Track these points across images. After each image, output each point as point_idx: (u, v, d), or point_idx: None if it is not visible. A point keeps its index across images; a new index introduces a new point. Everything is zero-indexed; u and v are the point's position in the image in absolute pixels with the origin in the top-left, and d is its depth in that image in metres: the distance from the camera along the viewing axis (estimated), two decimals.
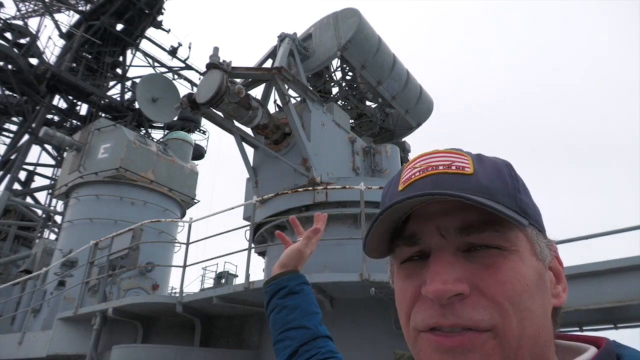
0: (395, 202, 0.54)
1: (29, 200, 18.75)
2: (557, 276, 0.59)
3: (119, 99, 19.01)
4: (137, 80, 16.93)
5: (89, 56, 18.86)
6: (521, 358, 0.50)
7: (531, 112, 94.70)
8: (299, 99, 7.32)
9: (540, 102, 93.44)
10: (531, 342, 0.51)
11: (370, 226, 0.58)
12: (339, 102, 9.95)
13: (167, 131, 18.43)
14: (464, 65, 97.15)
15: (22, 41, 17.64)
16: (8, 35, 17.44)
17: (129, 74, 20.14)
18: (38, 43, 18.07)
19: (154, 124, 18.63)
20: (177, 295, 5.49)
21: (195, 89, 10.23)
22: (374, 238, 0.59)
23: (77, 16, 19.57)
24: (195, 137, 18.63)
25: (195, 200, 14.27)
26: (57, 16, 19.61)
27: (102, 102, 18.13)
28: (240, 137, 6.81)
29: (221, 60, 5.91)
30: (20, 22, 18.64)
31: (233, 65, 6.09)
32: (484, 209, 0.51)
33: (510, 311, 0.50)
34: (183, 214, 14.14)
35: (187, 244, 5.82)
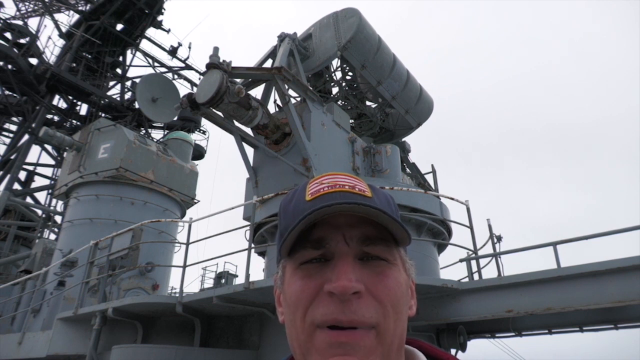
0: (325, 205, 0.62)
1: (29, 200, 18.75)
2: (412, 292, 0.73)
3: (118, 99, 19.01)
4: (137, 80, 16.93)
5: (89, 56, 18.86)
6: (392, 352, 0.63)
7: (521, 103, 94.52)
8: (299, 99, 7.32)
9: (530, 92, 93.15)
10: (398, 340, 0.65)
11: (294, 227, 0.63)
12: (339, 102, 9.95)
13: (167, 131, 18.43)
14: (451, 55, 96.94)
15: (22, 41, 17.63)
16: (8, 35, 17.44)
17: (129, 74, 20.17)
18: (38, 43, 18.07)
19: (154, 124, 18.62)
20: (177, 295, 5.48)
21: (195, 89, 10.23)
22: (291, 240, 0.66)
23: (77, 16, 19.58)
24: (195, 137, 18.64)
25: (195, 200, 14.27)
26: (57, 16, 19.63)
27: (102, 102, 18.13)
28: (240, 137, 6.81)
29: (221, 60, 5.91)
30: (20, 22, 18.64)
31: (233, 65, 6.09)
32: (381, 226, 0.66)
33: (390, 312, 0.63)
34: (183, 214, 14.14)
35: (187, 244, 5.82)
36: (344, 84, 10.02)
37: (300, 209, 0.65)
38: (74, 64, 18.29)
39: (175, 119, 18.26)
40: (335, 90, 10.24)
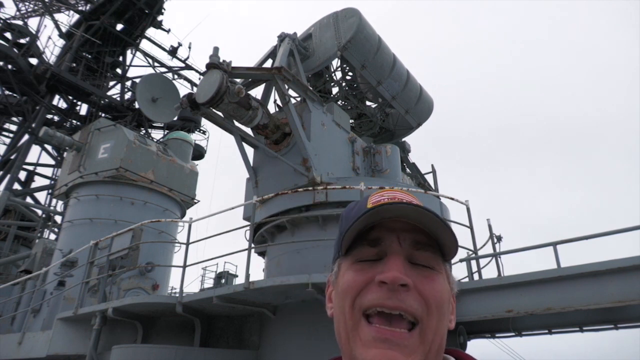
0: (386, 204, 0.71)
1: (29, 200, 18.74)
2: (452, 307, 0.78)
3: (118, 99, 19.01)
4: (137, 80, 16.93)
5: (89, 56, 18.86)
6: (432, 352, 0.68)
7: (521, 103, 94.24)
8: (299, 99, 7.32)
9: (530, 92, 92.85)
10: (439, 340, 0.70)
11: (356, 219, 0.71)
12: (339, 102, 9.95)
13: (167, 131, 18.43)
14: (451, 55, 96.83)
15: (22, 41, 17.63)
16: (8, 35, 17.43)
17: (129, 74, 20.17)
18: (38, 43, 18.06)
19: (154, 124, 18.62)
20: (177, 295, 5.48)
21: (195, 89, 10.22)
22: (351, 235, 0.73)
23: (77, 16, 19.58)
24: (195, 137, 18.64)
25: (195, 200, 14.27)
26: (57, 16, 19.63)
27: (102, 102, 18.13)
28: (240, 137, 6.81)
29: (221, 60, 5.91)
30: (20, 22, 18.64)
31: (233, 65, 6.09)
32: (431, 235, 0.73)
33: (434, 311, 0.69)
34: (183, 214, 14.13)
35: (187, 244, 5.82)
36: (344, 84, 10.02)
37: (362, 213, 0.72)
38: (74, 64, 18.28)
39: (175, 119, 18.26)
40: (335, 90, 10.24)
